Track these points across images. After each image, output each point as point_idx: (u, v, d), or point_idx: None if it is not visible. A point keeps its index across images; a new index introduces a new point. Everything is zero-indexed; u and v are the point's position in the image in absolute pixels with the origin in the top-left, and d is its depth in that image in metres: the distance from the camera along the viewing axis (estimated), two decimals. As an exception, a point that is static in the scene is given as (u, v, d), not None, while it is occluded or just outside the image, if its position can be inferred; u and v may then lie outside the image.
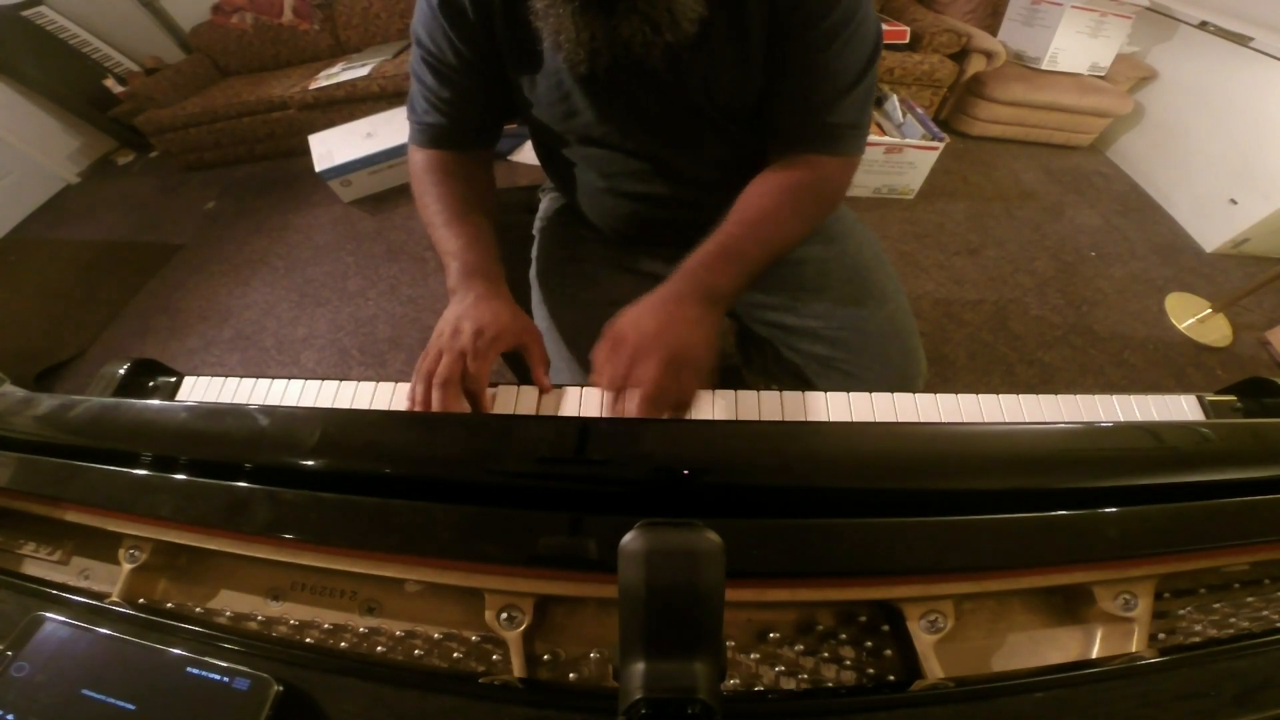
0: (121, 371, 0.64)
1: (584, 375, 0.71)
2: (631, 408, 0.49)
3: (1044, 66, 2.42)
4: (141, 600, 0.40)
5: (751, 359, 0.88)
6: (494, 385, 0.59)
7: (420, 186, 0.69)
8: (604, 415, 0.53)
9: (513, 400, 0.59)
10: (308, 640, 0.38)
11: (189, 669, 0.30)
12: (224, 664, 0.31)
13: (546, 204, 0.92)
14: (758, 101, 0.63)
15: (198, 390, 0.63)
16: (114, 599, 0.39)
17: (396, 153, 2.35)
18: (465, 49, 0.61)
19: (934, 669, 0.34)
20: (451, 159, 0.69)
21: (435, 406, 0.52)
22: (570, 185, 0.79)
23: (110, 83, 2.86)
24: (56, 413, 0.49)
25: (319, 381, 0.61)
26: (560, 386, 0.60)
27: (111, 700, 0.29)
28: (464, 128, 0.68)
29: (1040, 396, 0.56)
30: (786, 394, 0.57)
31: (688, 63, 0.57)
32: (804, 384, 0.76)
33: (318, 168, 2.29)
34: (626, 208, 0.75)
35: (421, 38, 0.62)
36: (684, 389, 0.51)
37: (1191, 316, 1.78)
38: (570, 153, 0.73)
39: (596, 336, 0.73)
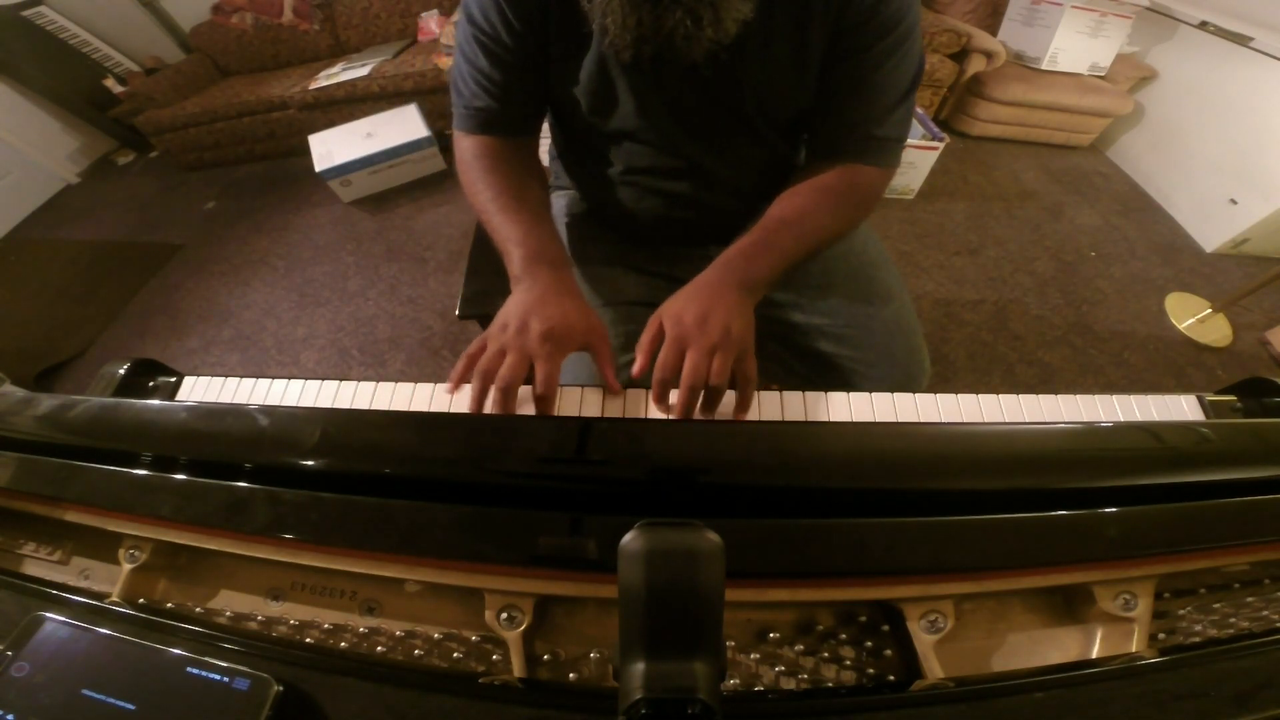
0: (121, 371, 0.63)
1: (591, 373, 0.71)
2: (679, 398, 0.50)
3: (1044, 66, 2.42)
4: (141, 600, 0.40)
5: (756, 356, 0.88)
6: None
7: (471, 174, 0.67)
8: (654, 404, 0.53)
9: (576, 402, 0.57)
10: (308, 640, 0.38)
11: (189, 669, 0.30)
12: (224, 664, 0.31)
13: (556, 202, 0.91)
14: (803, 112, 0.64)
15: (198, 390, 0.63)
16: (114, 599, 0.39)
17: (396, 153, 2.35)
18: (520, 25, 0.59)
19: (934, 669, 0.34)
20: (501, 145, 0.67)
21: (492, 409, 0.50)
22: (590, 178, 0.78)
23: (110, 83, 2.86)
24: (56, 413, 0.49)
25: (319, 381, 0.61)
26: (564, 386, 0.59)
27: (111, 700, 0.29)
28: (513, 112, 0.67)
29: (1040, 396, 0.55)
30: (787, 394, 0.57)
31: (745, 66, 0.58)
32: (809, 381, 0.76)
33: (318, 168, 2.29)
34: (647, 203, 0.75)
35: (474, 14, 0.61)
36: (722, 376, 0.51)
37: (1191, 316, 1.78)
38: (599, 144, 0.72)
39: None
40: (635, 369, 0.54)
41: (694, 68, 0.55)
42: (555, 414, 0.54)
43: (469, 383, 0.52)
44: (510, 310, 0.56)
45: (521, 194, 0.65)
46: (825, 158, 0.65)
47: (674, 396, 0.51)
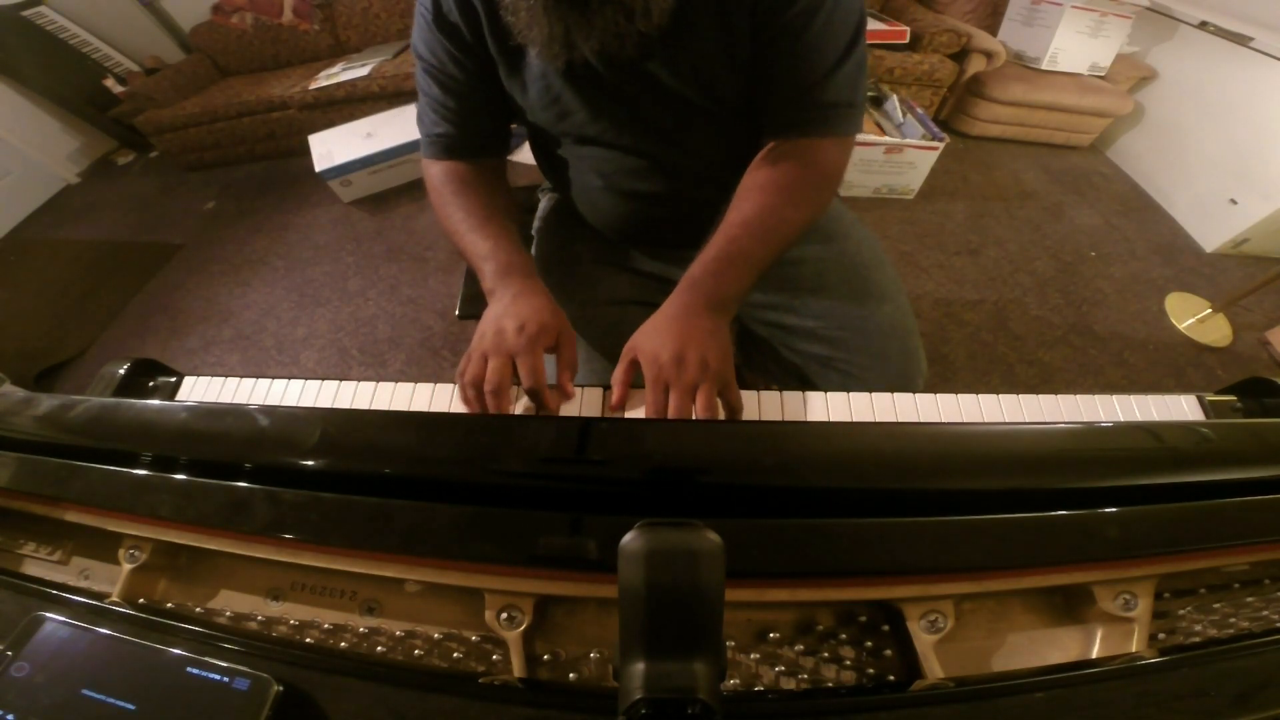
0: (121, 371, 0.64)
1: (589, 372, 0.71)
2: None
3: (1044, 66, 2.42)
4: (141, 600, 0.40)
5: (751, 359, 0.88)
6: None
7: (440, 198, 0.69)
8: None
9: (576, 401, 0.57)
10: (308, 640, 0.38)
11: (189, 669, 0.30)
12: (224, 664, 0.31)
13: (546, 203, 0.92)
14: (749, 90, 0.63)
15: (198, 390, 0.63)
16: (114, 599, 0.39)
17: (396, 153, 2.35)
18: (465, 59, 0.62)
19: (934, 669, 0.34)
20: (467, 169, 0.69)
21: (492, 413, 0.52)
22: (568, 185, 0.79)
23: (110, 83, 2.86)
24: (56, 413, 0.49)
25: (319, 381, 0.61)
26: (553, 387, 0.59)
27: (111, 700, 0.29)
28: (473, 135, 0.69)
29: (1040, 396, 0.55)
30: (786, 394, 0.57)
31: (674, 51, 0.57)
32: (804, 384, 0.76)
33: (318, 168, 2.29)
34: (625, 206, 0.75)
35: (422, 53, 0.64)
36: (710, 408, 0.51)
37: (1191, 316, 1.78)
38: (567, 153, 0.73)
39: (595, 336, 0.73)
40: (613, 402, 0.55)
41: (629, 65, 0.56)
42: (553, 405, 0.54)
43: (472, 402, 0.54)
44: (486, 320, 0.58)
45: (489, 212, 0.66)
46: (776, 135, 0.63)
47: None
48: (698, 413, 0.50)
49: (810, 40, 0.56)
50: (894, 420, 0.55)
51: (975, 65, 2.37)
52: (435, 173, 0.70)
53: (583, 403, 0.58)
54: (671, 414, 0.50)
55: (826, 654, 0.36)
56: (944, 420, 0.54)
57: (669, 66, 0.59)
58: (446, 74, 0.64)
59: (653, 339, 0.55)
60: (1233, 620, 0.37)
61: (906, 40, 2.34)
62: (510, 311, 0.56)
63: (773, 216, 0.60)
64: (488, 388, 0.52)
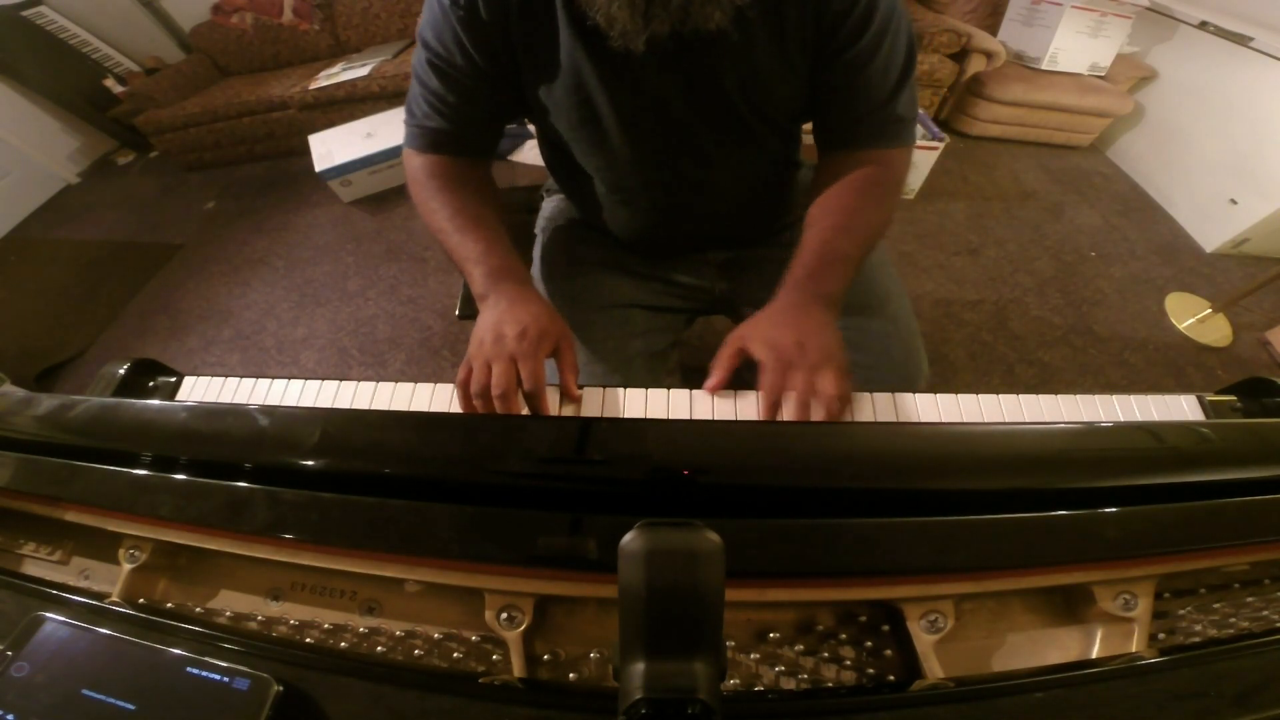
0: (121, 371, 0.64)
1: (590, 374, 0.71)
2: (792, 414, 0.50)
3: (1044, 66, 2.42)
4: (141, 600, 0.40)
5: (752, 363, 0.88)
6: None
7: (423, 193, 0.67)
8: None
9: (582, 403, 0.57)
10: (308, 640, 0.38)
11: (189, 669, 0.30)
12: (224, 664, 0.31)
13: (550, 205, 0.91)
14: (799, 110, 0.65)
15: (198, 390, 0.63)
16: (114, 599, 0.39)
17: (397, 153, 2.35)
18: (475, 52, 0.59)
19: (934, 669, 0.34)
20: (454, 164, 0.68)
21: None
22: (580, 191, 0.78)
23: (110, 83, 2.86)
24: (56, 413, 0.49)
25: (319, 381, 0.61)
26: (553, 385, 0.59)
27: (111, 700, 0.29)
28: (465, 133, 0.67)
29: (1040, 396, 0.55)
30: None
31: (729, 68, 0.57)
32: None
33: (318, 168, 2.29)
34: (644, 219, 0.75)
35: (429, 39, 0.61)
36: (841, 390, 0.51)
37: (1191, 316, 1.78)
38: (584, 160, 0.71)
39: (597, 338, 0.73)
40: (710, 385, 0.56)
41: (676, 71, 0.55)
42: (549, 411, 0.54)
43: (476, 409, 0.54)
44: (483, 326, 0.57)
45: (478, 213, 0.65)
46: (846, 148, 0.65)
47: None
48: (826, 395, 0.50)
49: (878, 68, 0.59)
50: (894, 420, 0.55)
51: (975, 65, 2.37)
52: (418, 165, 0.68)
53: (584, 403, 0.58)
54: (799, 392, 0.50)
55: (826, 654, 0.36)
56: (944, 420, 0.54)
57: (718, 72, 0.58)
58: (452, 65, 0.61)
59: (768, 329, 0.55)
60: (1233, 620, 0.37)
61: (906, 40, 2.34)
62: (509, 317, 0.55)
63: (859, 217, 0.63)
64: (495, 392, 0.51)
